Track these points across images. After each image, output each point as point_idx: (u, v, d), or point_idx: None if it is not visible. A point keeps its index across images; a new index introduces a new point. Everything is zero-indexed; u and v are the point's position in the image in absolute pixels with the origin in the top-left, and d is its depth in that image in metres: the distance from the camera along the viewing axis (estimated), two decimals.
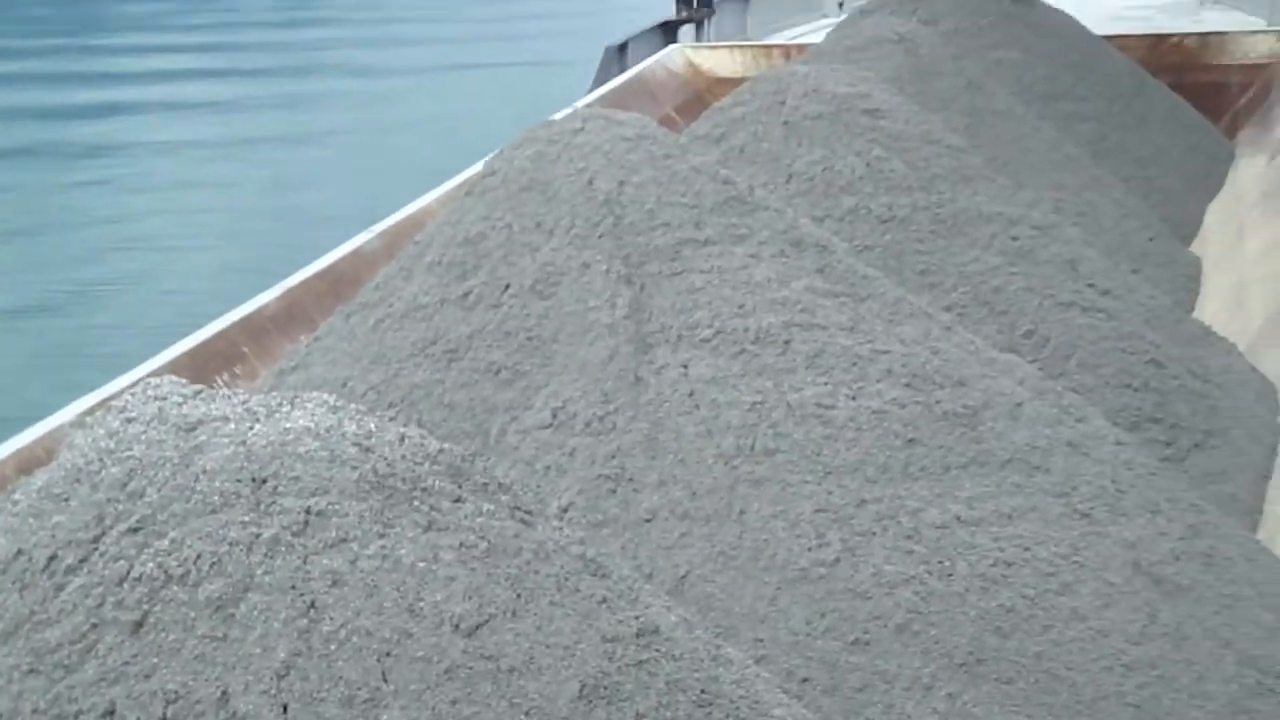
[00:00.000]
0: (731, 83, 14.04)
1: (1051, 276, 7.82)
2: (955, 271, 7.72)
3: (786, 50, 15.46)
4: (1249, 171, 12.14)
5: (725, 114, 9.02)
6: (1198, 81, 14.02)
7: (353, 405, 3.75)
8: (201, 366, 7.24)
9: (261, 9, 49.79)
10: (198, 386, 3.74)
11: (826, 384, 5.45)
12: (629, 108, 13.51)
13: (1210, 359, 7.94)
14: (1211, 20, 19.51)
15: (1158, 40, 14.85)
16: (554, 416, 5.40)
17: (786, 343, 5.55)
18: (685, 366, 5.47)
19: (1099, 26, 14.68)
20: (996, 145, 10.69)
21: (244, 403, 3.63)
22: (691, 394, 5.38)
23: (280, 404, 3.65)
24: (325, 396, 3.74)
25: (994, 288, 7.63)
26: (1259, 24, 18.41)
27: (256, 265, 19.64)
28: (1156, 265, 10.14)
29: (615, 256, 5.72)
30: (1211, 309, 9.66)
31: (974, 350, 6.16)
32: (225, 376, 7.35)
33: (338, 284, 8.50)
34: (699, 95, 14.97)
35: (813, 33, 18.69)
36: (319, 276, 8.61)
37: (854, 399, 5.42)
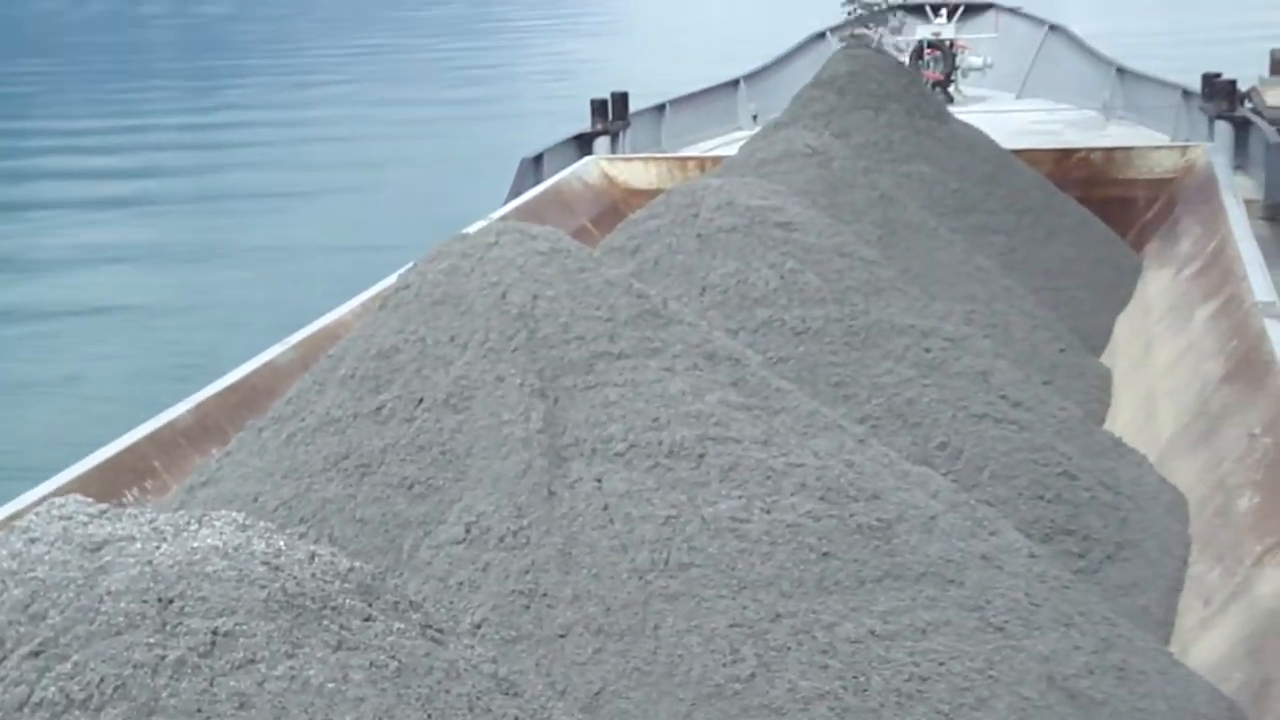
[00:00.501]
0: (647, 194, 14.16)
1: (964, 388, 7.89)
2: (869, 383, 7.78)
3: (701, 162, 15.62)
4: (1156, 284, 12.35)
5: (640, 226, 9.08)
6: (1105, 195, 14.29)
7: (262, 523, 3.70)
8: (111, 482, 7.13)
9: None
10: (103, 505, 3.67)
11: (741, 498, 5.45)
12: (544, 219, 13.63)
13: (1121, 471, 8.02)
14: (1118, 135, 19.96)
15: (1065, 155, 15.14)
16: (467, 531, 5.35)
17: (701, 456, 5.55)
18: (599, 480, 5.45)
19: (1008, 140, 14.97)
20: (909, 257, 10.83)
21: (151, 521, 3.57)
22: (606, 508, 5.35)
23: (188, 522, 3.59)
24: (234, 514, 3.69)
25: (907, 400, 7.69)
26: (1163, 139, 18.86)
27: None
28: (1068, 376, 10.27)
29: (529, 370, 5.71)
30: (1122, 420, 9.78)
31: (888, 463, 6.19)
32: (135, 492, 7.24)
33: (251, 396, 8.42)
34: (614, 206, 15.08)
35: (727, 145, 18.92)
36: (232, 389, 8.54)
37: (768, 513, 5.41)
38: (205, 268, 27.51)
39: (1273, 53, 28.69)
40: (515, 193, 15.09)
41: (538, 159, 16.33)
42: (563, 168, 15.73)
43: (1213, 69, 19.02)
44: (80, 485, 6.73)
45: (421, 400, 5.76)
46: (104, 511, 3.61)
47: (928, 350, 8.08)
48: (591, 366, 5.83)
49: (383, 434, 5.73)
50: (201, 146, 40.94)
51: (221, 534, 3.50)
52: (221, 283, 26.27)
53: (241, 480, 5.97)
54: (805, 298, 8.11)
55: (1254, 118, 17.65)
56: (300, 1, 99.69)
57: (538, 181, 15.37)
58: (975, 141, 13.77)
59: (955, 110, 14.92)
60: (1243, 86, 19.29)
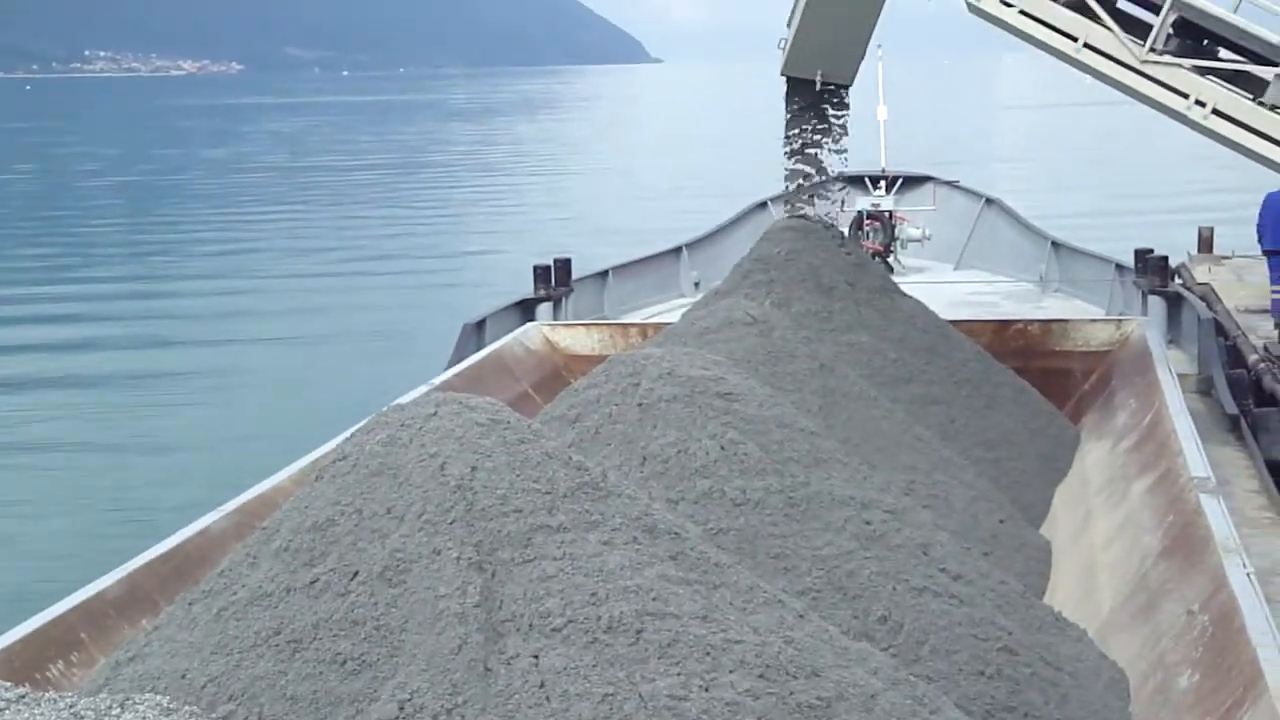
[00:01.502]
0: (589, 360, 14.21)
1: (904, 561, 7.88)
2: (809, 556, 7.75)
3: (643, 329, 15.70)
4: (1094, 456, 12.44)
5: (581, 395, 9.09)
6: (1043, 367, 14.44)
7: (187, 707, 3.62)
8: (35, 655, 6.96)
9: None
10: (22, 690, 3.58)
11: (679, 675, 5.38)
12: (486, 385, 13.66)
13: (1062, 646, 7.99)
14: (1054, 308, 20.31)
15: (1003, 326, 15.32)
16: (401, 709, 5.25)
17: (639, 632, 5.49)
18: (536, 656, 5.38)
19: (947, 311, 15.15)
20: (849, 427, 10.89)
21: (70, 706, 3.49)
22: (542, 685, 5.28)
23: (110, 707, 3.51)
24: (159, 698, 3.61)
25: (847, 572, 7.66)
26: (1099, 313, 19.19)
27: None
28: (1007, 549, 10.27)
29: (467, 543, 5.66)
30: (1062, 593, 9.77)
31: (828, 639, 6.15)
32: (60, 665, 7.07)
33: (184, 565, 8.28)
34: (556, 372, 15.11)
35: (669, 312, 19.08)
36: (163, 558, 8.39)
37: (707, 690, 5.35)
38: (146, 436, 27.31)
39: (1200, 230, 29.51)
40: (457, 358, 15.10)
41: (480, 324, 16.38)
42: (505, 333, 15.78)
43: (1143, 244, 19.46)
44: (4, 658, 6.56)
45: (356, 574, 5.68)
46: (22, 696, 3.52)
47: (868, 522, 8.07)
48: (530, 540, 5.78)
49: (316, 608, 5.64)
50: (134, 316, 40.83)
51: (144, 719, 3.42)
52: (161, 451, 26.07)
53: (170, 656, 5.84)
54: (746, 469, 8.11)
55: (1186, 293, 18.00)
56: (235, 159, 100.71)
57: (479, 347, 15.40)
58: (915, 312, 13.92)
59: (895, 280, 15.12)
60: (1173, 261, 19.70)
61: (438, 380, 13.05)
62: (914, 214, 25.08)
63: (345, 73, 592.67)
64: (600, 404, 8.78)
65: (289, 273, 46.77)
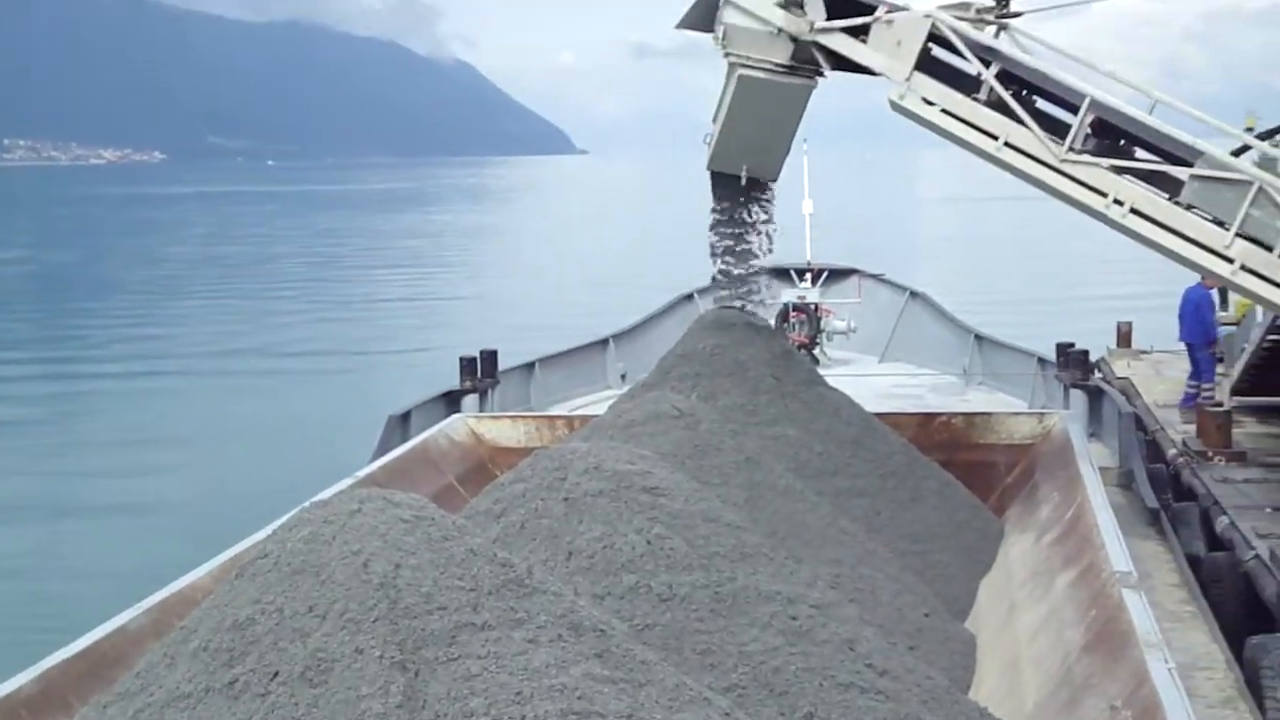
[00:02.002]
0: (515, 453, 14.16)
1: (830, 656, 7.85)
2: (735, 651, 7.70)
3: (570, 421, 15.67)
4: (1018, 549, 12.50)
5: (506, 490, 9.04)
6: (967, 460, 14.54)
7: None
8: None
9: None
10: None
11: None
12: (411, 477, 13.56)
13: None
14: (978, 400, 20.50)
15: (928, 419, 15.43)
16: None
17: None
18: None
19: (872, 404, 15.24)
20: (774, 521, 10.89)
21: None
22: None
23: None
24: None
25: (774, 668, 7.62)
26: (1021, 405, 19.38)
27: None
28: (933, 643, 10.28)
29: (390, 642, 5.58)
30: (987, 688, 9.78)
31: None
32: None
33: (99, 665, 8.11)
34: (482, 464, 15.03)
35: (596, 404, 19.07)
36: (80, 656, 8.21)
37: None
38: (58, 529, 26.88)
39: (1119, 325, 30.01)
40: (382, 451, 14.99)
41: (405, 416, 16.30)
42: (430, 425, 15.69)
43: (1063, 337, 19.72)
44: None
45: (277, 674, 5.58)
46: None
47: (794, 618, 8.05)
48: (454, 638, 5.71)
49: (235, 710, 5.54)
50: (46, 410, 40.29)
51: None
52: (79, 538, 25.66)
53: None
54: (672, 564, 8.07)
55: (1106, 387, 18.23)
56: (138, 251, 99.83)
57: (405, 439, 15.29)
58: (840, 405, 13.99)
59: (821, 373, 15.21)
60: (1093, 355, 19.98)
61: (362, 473, 12.95)
62: (839, 306, 25.29)
63: (270, 162, 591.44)
64: (526, 498, 8.73)
65: (210, 365, 46.41)
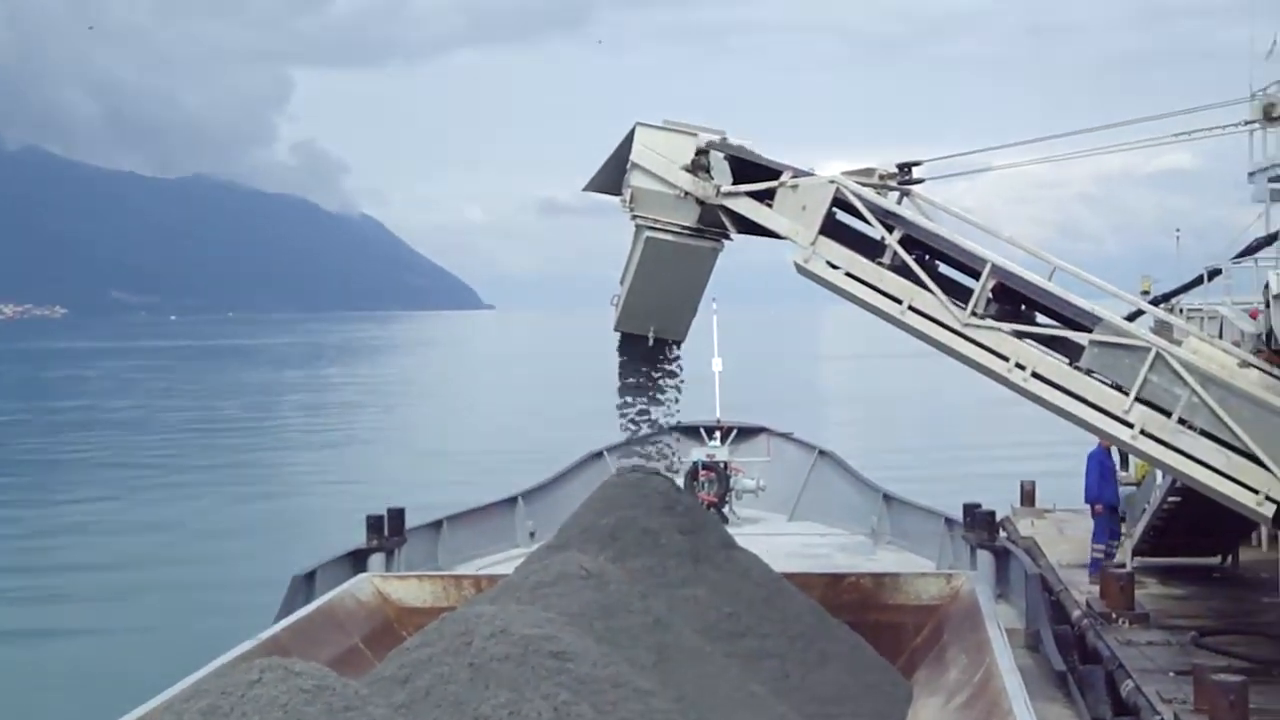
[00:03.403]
0: (423, 613, 13.95)
1: None
2: None
3: (477, 581, 15.48)
4: (926, 713, 12.44)
5: (411, 655, 8.89)
6: (876, 620, 14.49)
7: None
8: None
9: None
10: None
11: None
12: (316, 639, 13.30)
13: None
14: (886, 560, 20.53)
15: (837, 579, 15.40)
16: None
17: None
18: None
19: (781, 563, 15.19)
20: (683, 684, 10.77)
21: None
22: None
23: None
24: None
25: None
26: (929, 565, 19.42)
27: None
28: None
29: None
30: None
31: None
32: None
33: None
34: (388, 625, 14.78)
35: (504, 562, 18.87)
36: None
37: None
38: None
39: (1022, 484, 30.39)
40: (286, 611, 14.69)
41: (309, 576, 16.02)
42: (336, 585, 15.42)
43: (967, 496, 19.87)
44: None
45: None
46: None
47: None
48: None
49: None
50: None
51: None
52: None
53: None
54: None
55: (1013, 548, 18.36)
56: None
57: (309, 600, 15.01)
58: (749, 565, 13.94)
59: (730, 531, 15.18)
60: (997, 514, 20.14)
61: (265, 635, 12.68)
62: (748, 465, 25.36)
63: (173, 317, 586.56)
64: (431, 663, 8.60)
65: (108, 524, 45.53)
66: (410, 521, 19.37)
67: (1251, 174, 23.39)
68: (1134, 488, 23.84)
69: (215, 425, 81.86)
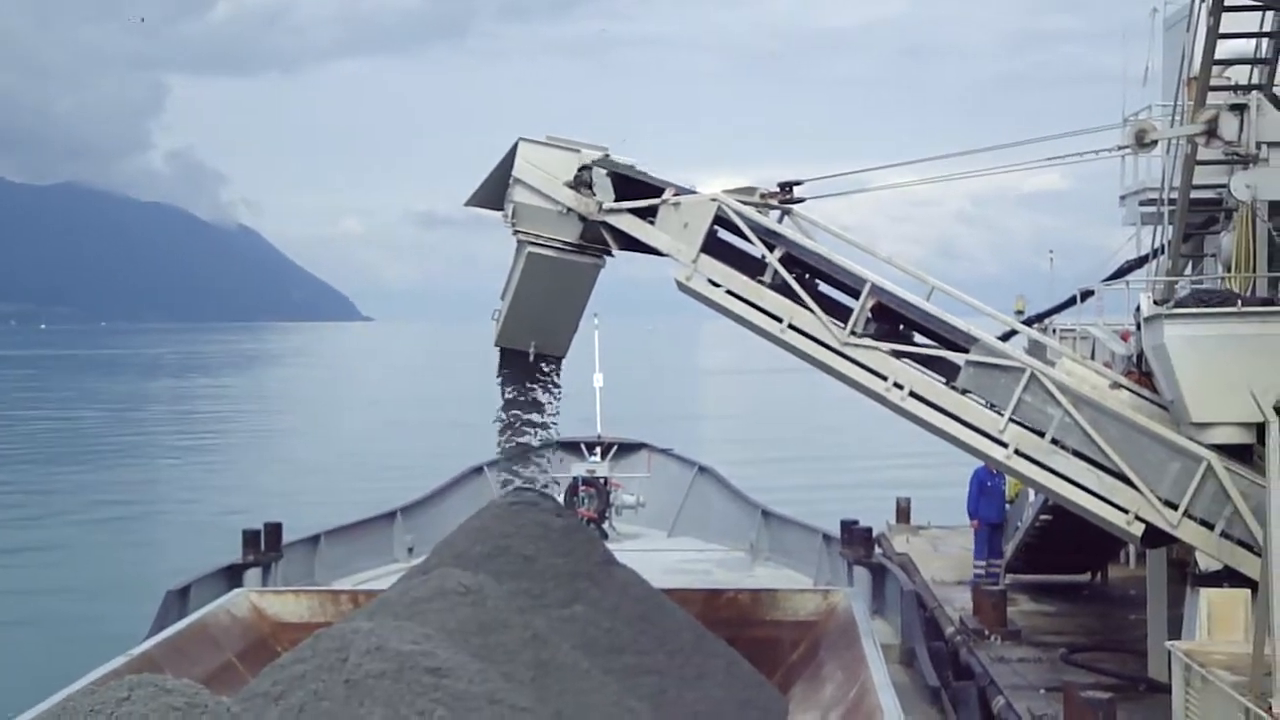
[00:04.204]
0: (298, 628, 13.80)
1: None
2: None
3: (354, 596, 15.35)
4: None
5: (286, 670, 8.78)
6: (753, 636, 14.58)
7: None
8: None
9: None
10: None
11: None
12: (189, 655, 13.09)
13: None
14: (764, 576, 20.68)
15: (715, 595, 15.47)
16: None
17: None
18: None
19: (660, 579, 15.24)
20: (561, 699, 10.76)
21: None
22: None
23: None
24: None
25: None
26: (807, 581, 19.59)
27: None
28: None
29: None
30: None
31: None
32: None
33: None
34: (264, 641, 14.60)
35: (382, 577, 18.74)
36: None
37: None
38: None
39: (898, 500, 30.73)
40: (158, 627, 14.47)
41: (183, 591, 15.80)
42: (210, 600, 15.21)
43: (843, 511, 20.09)
44: None
45: None
46: None
47: None
48: None
49: None
50: None
51: None
52: None
53: None
54: None
55: (889, 564, 18.57)
56: None
57: (183, 615, 14.79)
58: (629, 581, 13.96)
59: (610, 547, 15.20)
60: (874, 529, 20.38)
61: (137, 651, 12.47)
62: (628, 481, 25.43)
63: (43, 326, 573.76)
64: (306, 680, 8.51)
65: None
66: (287, 536, 19.18)
67: (1123, 197, 23.87)
68: (1007, 505, 24.20)
69: (83, 435, 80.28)
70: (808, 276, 14.42)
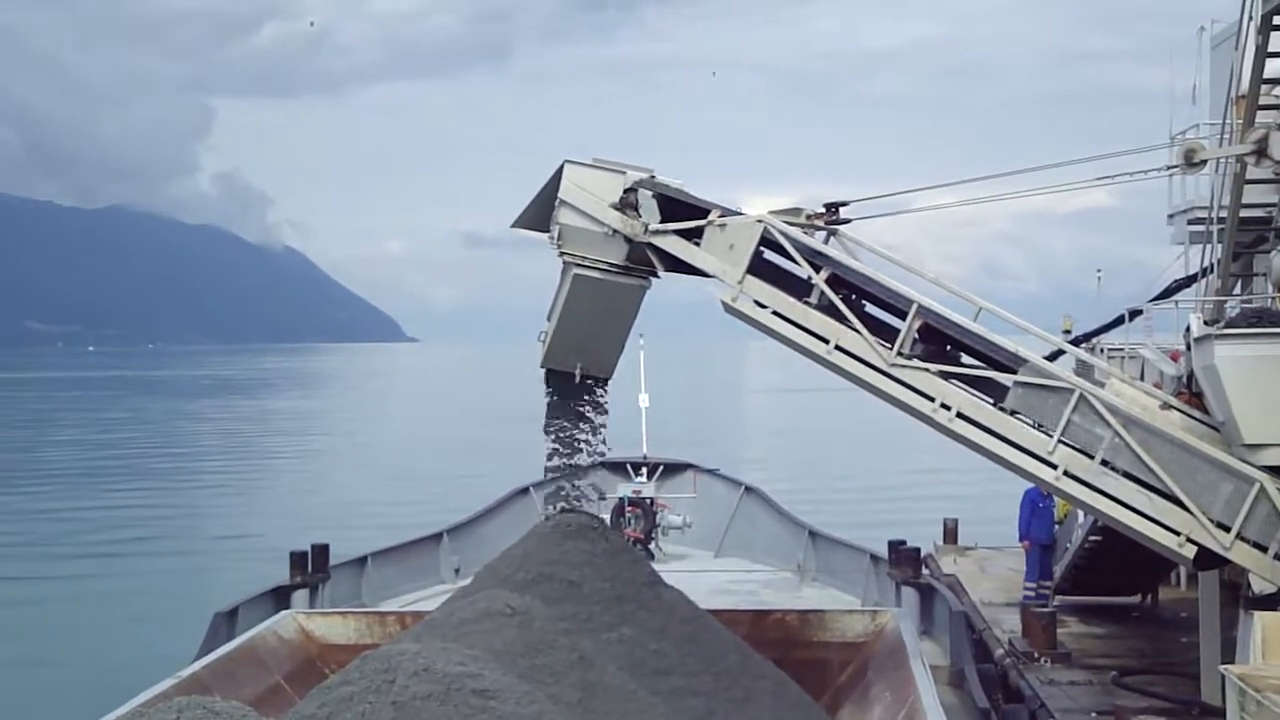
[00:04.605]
0: (346, 650, 13.82)
1: None
2: None
3: (401, 618, 15.36)
4: None
5: (333, 692, 8.79)
6: (800, 657, 14.51)
7: None
8: None
9: None
10: None
11: None
12: (237, 677, 13.13)
13: None
14: (811, 597, 20.60)
15: (762, 616, 15.42)
16: None
17: None
18: None
19: (707, 600, 15.20)
20: None
21: None
22: None
23: None
24: None
25: None
26: (854, 602, 19.50)
27: None
28: None
29: None
30: None
31: None
32: None
33: None
34: (311, 662, 14.64)
35: (429, 599, 18.76)
36: None
37: None
38: None
39: (945, 521, 30.58)
40: (206, 649, 14.50)
41: (231, 613, 15.84)
42: (258, 622, 15.25)
43: (890, 531, 19.97)
44: None
45: None
46: None
47: None
48: None
49: None
50: None
51: None
52: None
53: None
54: None
55: (937, 584, 18.47)
56: None
57: (231, 637, 14.83)
58: (676, 602, 13.92)
59: (656, 568, 15.18)
60: (921, 549, 20.28)
61: (185, 673, 12.50)
62: (675, 501, 25.40)
63: (91, 348, 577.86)
64: (353, 702, 8.52)
65: (19, 556, 44.79)
66: (334, 558, 19.22)
67: (1171, 216, 23.76)
68: (1056, 527, 24.07)
69: (130, 458, 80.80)
70: (854, 297, 14.37)
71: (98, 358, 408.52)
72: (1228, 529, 13.30)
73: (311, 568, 18.40)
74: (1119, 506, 13.62)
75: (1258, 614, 13.30)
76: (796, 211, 14.82)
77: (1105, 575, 21.74)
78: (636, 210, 14.74)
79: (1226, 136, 16.92)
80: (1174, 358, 16.64)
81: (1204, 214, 18.58)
